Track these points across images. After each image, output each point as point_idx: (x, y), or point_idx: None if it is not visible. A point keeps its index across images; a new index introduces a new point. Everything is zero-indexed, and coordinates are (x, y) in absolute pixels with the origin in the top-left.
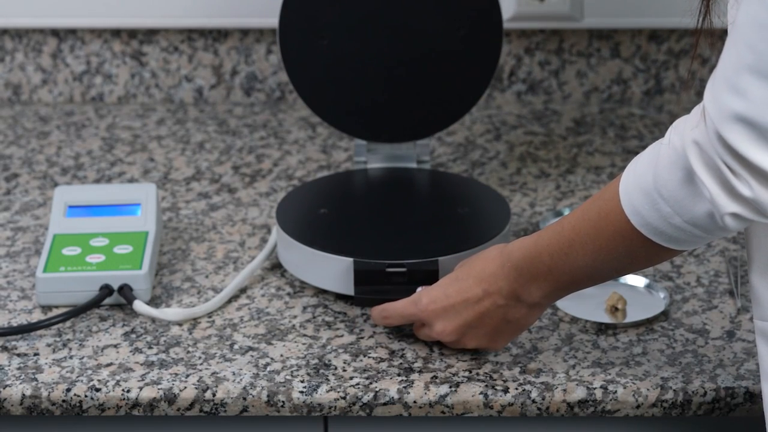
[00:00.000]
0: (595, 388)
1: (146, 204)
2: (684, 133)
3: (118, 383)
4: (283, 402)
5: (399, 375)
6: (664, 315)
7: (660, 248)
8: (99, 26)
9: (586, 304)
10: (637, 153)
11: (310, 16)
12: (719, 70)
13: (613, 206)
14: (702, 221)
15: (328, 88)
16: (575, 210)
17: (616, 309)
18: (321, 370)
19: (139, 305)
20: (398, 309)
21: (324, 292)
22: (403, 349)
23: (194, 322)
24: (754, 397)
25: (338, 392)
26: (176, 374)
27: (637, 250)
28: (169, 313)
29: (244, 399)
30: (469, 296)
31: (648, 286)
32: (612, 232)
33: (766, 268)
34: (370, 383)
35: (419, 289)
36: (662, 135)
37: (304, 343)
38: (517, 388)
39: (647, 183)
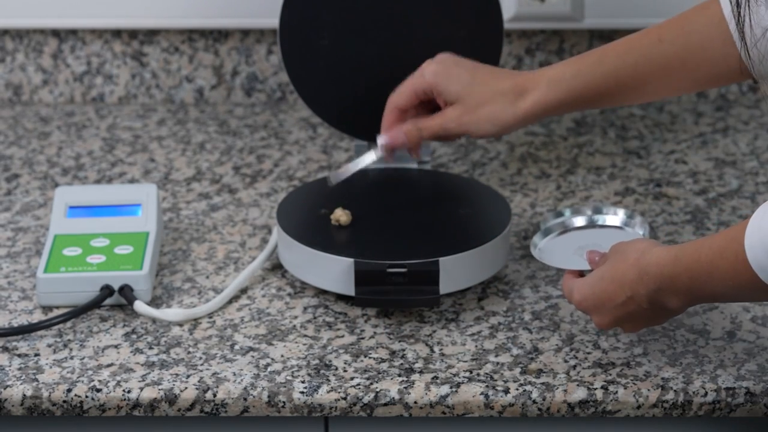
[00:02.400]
0: (595, 389)
1: (147, 204)
2: None
3: (118, 384)
4: (283, 402)
5: (400, 375)
6: None
7: None
8: (100, 27)
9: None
10: (638, 154)
11: (310, 17)
12: None
13: (744, 257)
14: None
15: (328, 89)
16: (712, 240)
17: None
18: (322, 371)
19: (139, 306)
20: (565, 293)
21: (324, 292)
22: (403, 350)
23: (195, 322)
24: (754, 397)
25: (339, 393)
26: (177, 375)
27: None
28: (170, 313)
29: (245, 399)
30: (614, 299)
31: (626, 224)
32: (749, 279)
33: None
34: (371, 384)
35: (585, 253)
36: (663, 136)
37: (304, 344)
38: (517, 389)
39: None
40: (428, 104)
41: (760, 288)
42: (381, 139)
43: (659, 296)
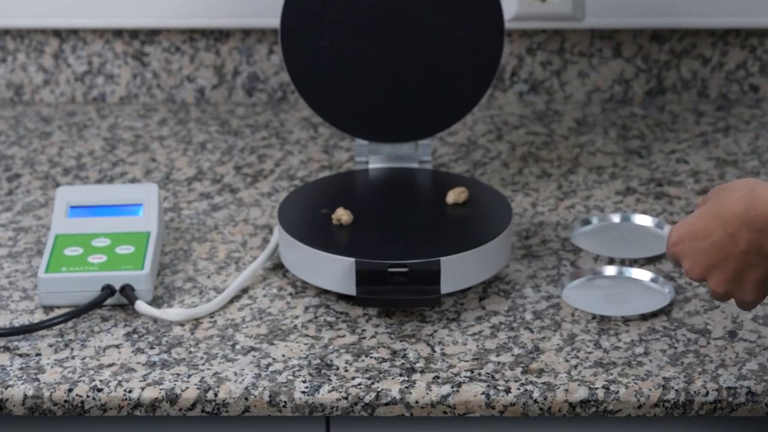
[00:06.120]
0: (597, 388)
1: (148, 204)
2: None
3: (120, 383)
4: (285, 402)
5: (401, 375)
6: (671, 307)
7: None
8: (101, 26)
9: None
10: (639, 153)
11: (311, 17)
12: None
13: None
14: None
15: (329, 89)
16: None
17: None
18: (323, 371)
19: (141, 305)
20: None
21: (326, 292)
22: (405, 349)
23: (196, 322)
24: (756, 397)
25: (340, 392)
26: (178, 374)
27: None
28: (171, 313)
29: (246, 399)
30: (711, 235)
31: (653, 280)
32: None
33: None
34: (372, 383)
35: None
36: (664, 135)
37: (306, 344)
38: (519, 388)
39: None
40: None
41: None
42: None
43: (761, 237)
